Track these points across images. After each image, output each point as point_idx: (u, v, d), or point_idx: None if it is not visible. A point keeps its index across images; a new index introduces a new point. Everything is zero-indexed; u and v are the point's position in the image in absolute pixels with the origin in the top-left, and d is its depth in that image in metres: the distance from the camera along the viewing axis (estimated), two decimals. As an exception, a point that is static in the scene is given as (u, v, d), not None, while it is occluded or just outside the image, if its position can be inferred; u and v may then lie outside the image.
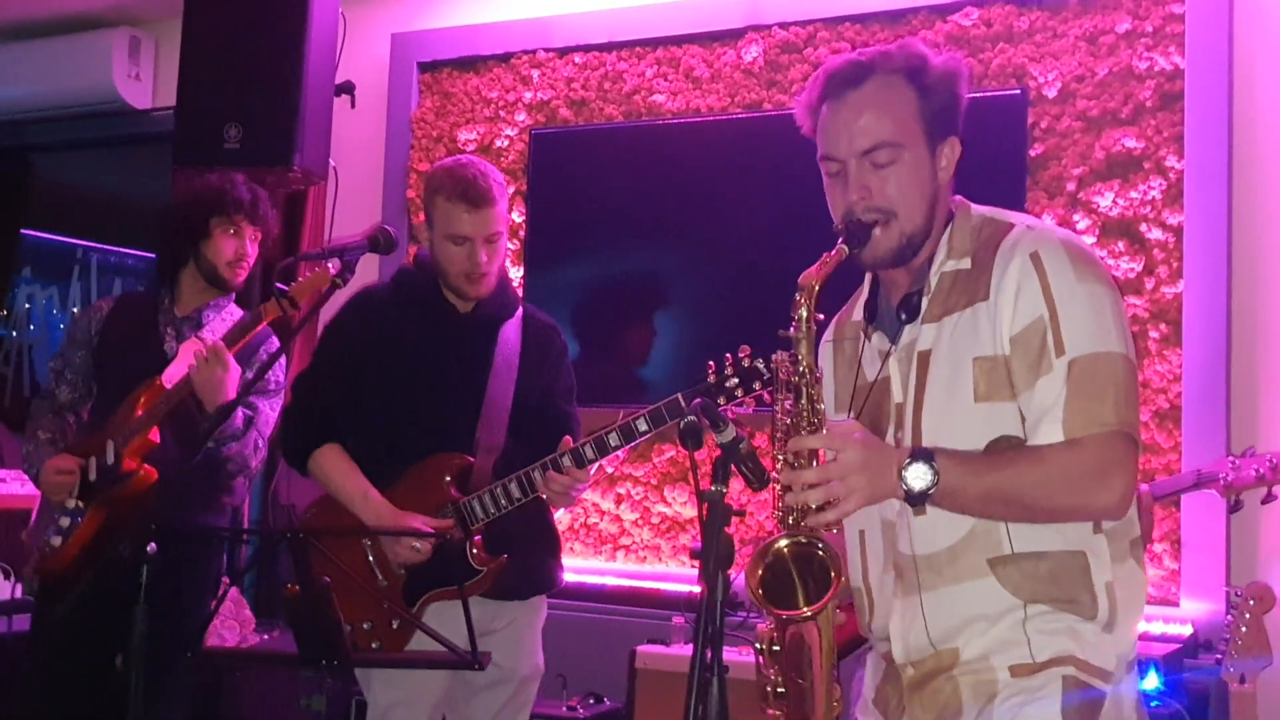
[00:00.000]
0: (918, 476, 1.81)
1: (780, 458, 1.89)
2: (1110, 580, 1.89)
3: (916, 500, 1.83)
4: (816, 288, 1.90)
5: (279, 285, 3.05)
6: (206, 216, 3.36)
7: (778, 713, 1.98)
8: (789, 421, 1.92)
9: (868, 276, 2.09)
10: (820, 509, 1.81)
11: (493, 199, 2.96)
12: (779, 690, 1.97)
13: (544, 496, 2.92)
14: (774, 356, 1.95)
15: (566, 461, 2.86)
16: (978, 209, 2.03)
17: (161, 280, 3.46)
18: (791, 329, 1.91)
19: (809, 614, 1.85)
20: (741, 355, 2.82)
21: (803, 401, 1.91)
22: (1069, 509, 1.86)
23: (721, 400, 2.76)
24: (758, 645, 1.98)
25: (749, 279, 4.28)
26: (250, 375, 3.25)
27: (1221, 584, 3.58)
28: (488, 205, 2.95)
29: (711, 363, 2.81)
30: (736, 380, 2.80)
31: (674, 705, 1.75)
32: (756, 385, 2.80)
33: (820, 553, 1.85)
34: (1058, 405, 1.83)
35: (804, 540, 1.86)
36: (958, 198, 2.04)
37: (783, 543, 1.87)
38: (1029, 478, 1.83)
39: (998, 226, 1.97)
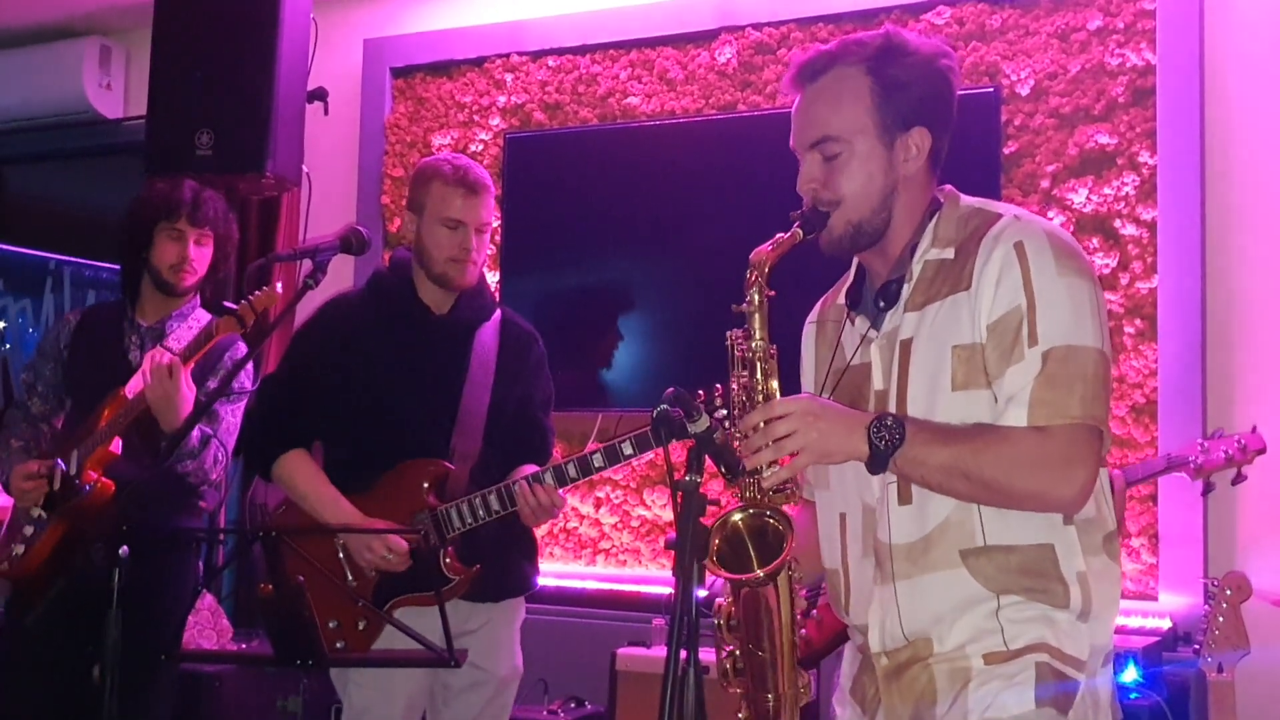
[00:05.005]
0: (882, 436, 1.82)
1: (738, 434, 1.91)
2: (1083, 570, 1.89)
3: (880, 463, 1.83)
4: (768, 266, 1.95)
5: (227, 305, 3.05)
6: (150, 224, 3.35)
7: (739, 689, 1.98)
8: (744, 397, 1.96)
9: (854, 262, 2.10)
10: (774, 467, 1.85)
11: (487, 187, 3.05)
12: (738, 666, 1.97)
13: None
14: (729, 333, 1.99)
15: (548, 479, 2.88)
16: (967, 200, 2.03)
17: (125, 291, 3.45)
18: (745, 304, 1.96)
19: (761, 575, 1.86)
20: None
21: (757, 376, 1.95)
22: (1027, 494, 1.85)
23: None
24: (717, 621, 1.98)
25: (726, 280, 4.21)
26: (213, 384, 3.23)
27: (1199, 577, 3.59)
28: (484, 192, 3.03)
29: (701, 391, 2.82)
30: (725, 412, 2.82)
31: (655, 707, 1.73)
32: None
33: (772, 522, 1.88)
34: (1025, 392, 1.84)
35: (756, 512, 1.90)
36: (947, 187, 2.05)
37: (737, 516, 1.91)
38: (991, 454, 1.83)
39: (985, 217, 1.97)
